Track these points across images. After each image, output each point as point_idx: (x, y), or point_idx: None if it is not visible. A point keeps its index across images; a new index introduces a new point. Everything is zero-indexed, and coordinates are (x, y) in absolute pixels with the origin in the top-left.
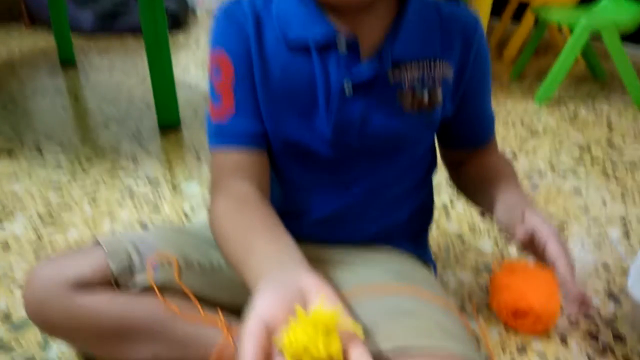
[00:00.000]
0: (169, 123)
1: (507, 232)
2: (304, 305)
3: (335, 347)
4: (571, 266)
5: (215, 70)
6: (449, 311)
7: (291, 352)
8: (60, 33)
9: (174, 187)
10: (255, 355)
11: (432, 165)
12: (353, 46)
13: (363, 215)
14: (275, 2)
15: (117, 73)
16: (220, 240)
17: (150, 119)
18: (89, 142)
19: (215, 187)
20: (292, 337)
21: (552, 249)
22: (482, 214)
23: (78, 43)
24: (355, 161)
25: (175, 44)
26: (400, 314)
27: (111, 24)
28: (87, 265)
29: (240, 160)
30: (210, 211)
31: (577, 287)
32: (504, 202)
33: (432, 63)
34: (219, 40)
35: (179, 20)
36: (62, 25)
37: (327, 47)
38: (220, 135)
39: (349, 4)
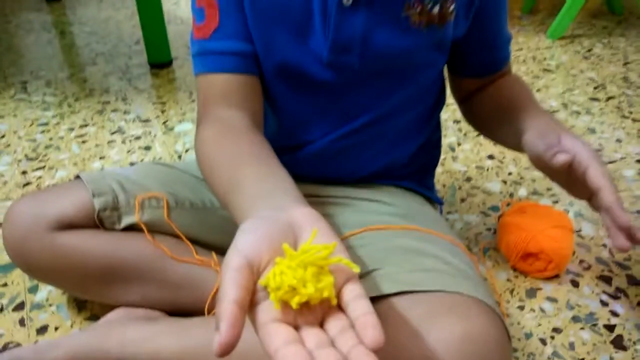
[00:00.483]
0: (159, 60)
1: (542, 161)
2: (295, 243)
3: (327, 286)
4: (616, 192)
5: None
6: (458, 249)
7: (277, 293)
8: None
9: (166, 127)
10: (237, 297)
11: (441, 98)
12: None
13: (365, 149)
14: None
15: (105, 7)
16: (205, 171)
17: (141, 56)
18: (76, 80)
19: (201, 115)
20: (278, 276)
21: (595, 174)
22: (509, 147)
23: None
24: (356, 86)
25: None
26: (406, 253)
27: None
28: (69, 202)
29: (227, 85)
30: (196, 140)
31: (625, 216)
32: (535, 128)
33: None
34: None
35: None
36: None
37: None
38: (204, 55)
39: None
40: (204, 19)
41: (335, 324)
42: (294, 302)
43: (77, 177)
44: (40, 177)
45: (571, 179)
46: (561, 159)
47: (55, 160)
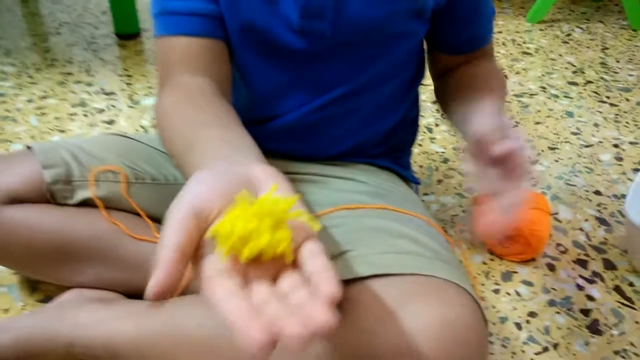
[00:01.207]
0: (127, 31)
1: (482, 143)
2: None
3: (284, 240)
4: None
5: None
6: (433, 230)
7: (227, 242)
8: None
9: (132, 100)
10: (178, 244)
11: (420, 72)
12: None
13: (339, 124)
14: None
15: None
16: (164, 136)
17: (107, 27)
18: (38, 50)
19: (162, 81)
20: (228, 223)
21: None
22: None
23: None
24: (329, 56)
25: None
26: (380, 234)
27: None
28: (17, 175)
29: (190, 49)
30: (156, 107)
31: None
32: (485, 112)
33: None
34: None
35: None
36: None
37: None
38: (166, 15)
39: None
40: None
41: (288, 280)
42: (244, 253)
43: (28, 147)
44: None
45: (496, 171)
46: (506, 146)
47: (11, 132)
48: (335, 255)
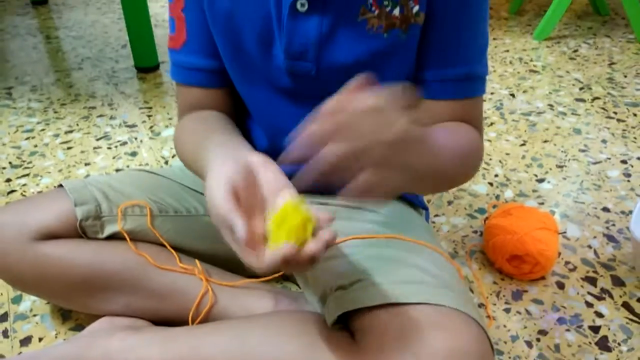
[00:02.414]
0: (146, 64)
1: None
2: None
3: (309, 221)
4: None
5: None
6: (441, 259)
7: (275, 218)
8: None
9: (153, 132)
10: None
11: None
12: None
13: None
14: None
15: (91, 11)
16: (180, 151)
17: (127, 60)
18: (62, 85)
19: (179, 116)
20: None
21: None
22: None
23: None
24: (320, 94)
25: None
26: (390, 264)
27: None
28: (51, 213)
29: (195, 97)
30: (175, 131)
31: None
32: None
33: None
34: None
35: None
36: None
37: None
38: (176, 66)
39: None
40: (174, 30)
41: None
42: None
43: (60, 185)
44: (24, 185)
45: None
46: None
47: (40, 167)
48: (346, 284)
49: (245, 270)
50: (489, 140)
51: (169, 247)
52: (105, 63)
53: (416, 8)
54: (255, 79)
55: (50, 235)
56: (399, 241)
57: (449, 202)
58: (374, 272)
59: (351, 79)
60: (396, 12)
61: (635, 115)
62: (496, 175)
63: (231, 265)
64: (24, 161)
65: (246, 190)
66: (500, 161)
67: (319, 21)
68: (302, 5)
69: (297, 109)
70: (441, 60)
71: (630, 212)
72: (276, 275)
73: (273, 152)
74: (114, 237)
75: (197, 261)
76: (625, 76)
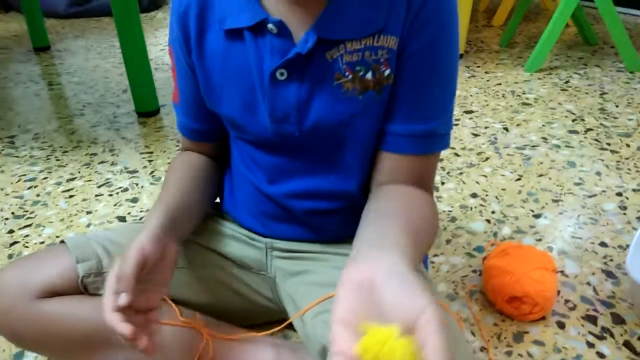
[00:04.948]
0: (147, 109)
1: None
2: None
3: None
4: None
5: (170, 59)
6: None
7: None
8: (32, 17)
9: (153, 177)
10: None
11: None
12: (284, 28)
13: (335, 212)
14: None
15: (93, 56)
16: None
17: (128, 105)
18: (64, 132)
19: (180, 150)
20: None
21: None
22: None
23: (53, 27)
24: (306, 151)
25: (153, 22)
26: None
27: (87, 5)
28: (54, 270)
29: (189, 143)
30: (169, 165)
31: None
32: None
33: (376, 38)
34: (169, 31)
35: None
36: (33, 8)
37: (259, 32)
38: (177, 117)
39: None
40: (174, 87)
41: None
42: None
43: (62, 241)
44: (27, 236)
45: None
46: None
47: (43, 217)
48: None
49: (246, 321)
50: (485, 176)
51: (169, 301)
52: (106, 108)
53: (387, 71)
54: (248, 138)
55: (53, 293)
56: None
57: (448, 241)
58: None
59: (333, 135)
60: (369, 76)
61: (628, 145)
62: (493, 212)
63: (232, 316)
64: (26, 211)
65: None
66: (496, 197)
67: (298, 88)
68: (282, 74)
69: (286, 163)
70: (406, 117)
71: (627, 246)
72: (276, 329)
73: (267, 196)
74: None
75: (197, 314)
76: (617, 106)
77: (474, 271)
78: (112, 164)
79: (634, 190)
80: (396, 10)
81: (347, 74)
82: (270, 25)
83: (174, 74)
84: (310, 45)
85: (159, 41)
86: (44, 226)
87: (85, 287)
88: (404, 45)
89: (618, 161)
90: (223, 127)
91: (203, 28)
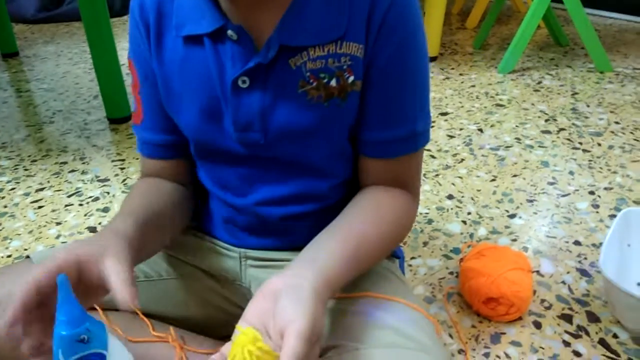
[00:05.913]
0: (118, 115)
1: None
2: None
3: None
4: None
5: (131, 74)
6: (418, 316)
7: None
8: None
9: (125, 185)
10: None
11: None
12: (244, 35)
13: (306, 218)
14: None
15: (63, 62)
16: None
17: (99, 111)
18: (33, 140)
19: (140, 178)
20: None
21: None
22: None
23: (22, 32)
24: (274, 159)
25: (126, 26)
26: (365, 326)
27: (56, 9)
28: (18, 288)
29: (152, 167)
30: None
31: None
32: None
33: (338, 45)
34: (129, 42)
35: (129, 3)
36: (0, 13)
37: (219, 39)
38: (137, 139)
39: None
40: (135, 108)
41: None
42: None
43: (27, 257)
44: None
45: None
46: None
47: (10, 229)
48: (320, 352)
49: (223, 333)
50: (460, 177)
51: (141, 315)
52: (77, 115)
53: (351, 78)
54: (213, 150)
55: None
56: (372, 299)
57: (425, 244)
58: (348, 337)
59: (299, 141)
60: (333, 82)
61: (599, 144)
62: (469, 213)
63: (206, 329)
64: None
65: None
66: (472, 198)
67: (261, 95)
68: (244, 82)
69: (253, 172)
70: (382, 123)
71: (601, 244)
72: None
73: (239, 210)
74: None
75: (171, 328)
76: (588, 106)
77: (451, 273)
78: (83, 172)
79: (605, 188)
80: (357, 17)
81: (311, 81)
82: (229, 32)
83: (135, 91)
84: (273, 54)
85: None
86: (11, 239)
87: None
88: (372, 55)
89: (590, 160)
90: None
91: (161, 33)
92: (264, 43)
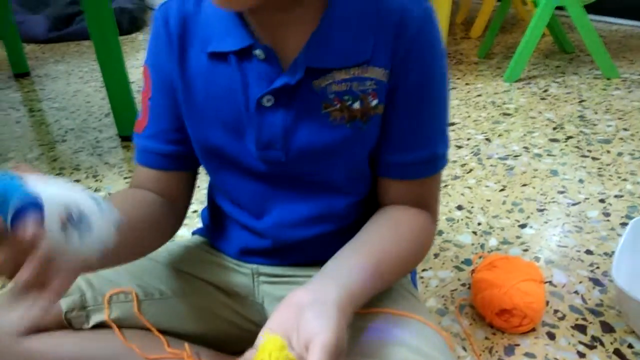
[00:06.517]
0: (129, 132)
1: None
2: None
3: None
4: None
5: (144, 81)
6: (430, 331)
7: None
8: (11, 43)
9: None
10: None
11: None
12: (271, 55)
13: (325, 234)
14: (206, 3)
15: (74, 81)
16: None
17: (111, 129)
18: (46, 159)
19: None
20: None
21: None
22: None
23: (33, 52)
24: (294, 177)
25: (135, 44)
26: (379, 344)
27: (66, 29)
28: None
29: (147, 177)
30: None
31: None
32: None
33: (363, 68)
34: (148, 50)
35: (137, 20)
36: (11, 34)
37: (245, 56)
38: (137, 148)
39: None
40: (140, 114)
41: None
42: None
43: None
44: None
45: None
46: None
47: None
48: None
49: (237, 348)
50: (469, 188)
51: (156, 332)
52: (89, 133)
53: (375, 102)
54: (230, 166)
55: (36, 330)
56: (387, 315)
57: (435, 255)
58: (362, 353)
59: (320, 161)
60: (356, 105)
61: (608, 152)
62: (479, 224)
63: (220, 344)
64: None
65: None
66: (482, 209)
67: (284, 115)
68: (268, 100)
69: (271, 190)
70: (403, 146)
71: (613, 252)
72: None
73: (255, 233)
74: (101, 324)
75: (186, 344)
76: (596, 113)
77: (463, 285)
78: (96, 190)
79: (616, 196)
80: (382, 43)
81: (335, 103)
82: (257, 51)
83: (144, 99)
84: (301, 76)
85: (140, 63)
86: None
87: (69, 322)
88: (397, 80)
89: (599, 168)
90: (191, 157)
91: (184, 46)
92: (289, 63)
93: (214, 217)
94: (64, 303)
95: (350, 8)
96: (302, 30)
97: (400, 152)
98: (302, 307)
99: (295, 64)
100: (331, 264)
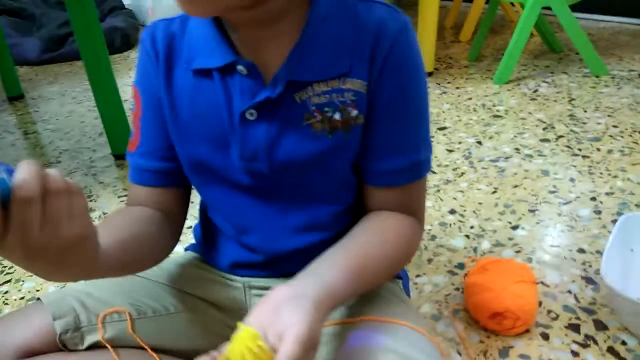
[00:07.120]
0: (123, 151)
1: None
2: None
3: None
4: None
5: (133, 101)
6: (420, 337)
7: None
8: (3, 66)
9: None
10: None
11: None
12: (253, 70)
13: (306, 247)
14: (191, 24)
15: (67, 101)
16: None
17: (104, 148)
18: None
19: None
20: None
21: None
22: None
23: (26, 74)
24: (278, 189)
25: (127, 62)
26: (369, 353)
27: (59, 50)
28: (30, 330)
29: (142, 195)
30: None
31: None
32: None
33: (342, 80)
34: (136, 71)
35: (130, 38)
36: (4, 58)
37: (228, 72)
38: (130, 168)
39: (194, 14)
40: (133, 134)
41: None
42: None
43: (39, 299)
44: (6, 292)
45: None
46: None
47: (22, 271)
48: None
49: None
50: (462, 191)
51: (150, 351)
52: (83, 154)
53: (355, 112)
54: (217, 180)
55: (32, 353)
56: (373, 323)
57: (429, 260)
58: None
59: (303, 171)
60: (337, 116)
61: (598, 150)
62: (472, 227)
63: None
64: (5, 266)
65: None
66: (474, 212)
67: (267, 127)
68: (251, 114)
69: (257, 203)
70: (386, 154)
71: None
72: None
73: (244, 246)
74: (95, 345)
75: None
76: (585, 111)
77: (457, 289)
78: (91, 210)
79: (607, 193)
80: (360, 56)
81: (316, 114)
82: (240, 67)
83: (135, 118)
84: (281, 89)
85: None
86: (23, 281)
87: (64, 344)
88: (375, 91)
89: (590, 166)
90: (184, 172)
91: (171, 65)
92: (271, 77)
93: (206, 231)
94: (58, 325)
95: (328, 23)
96: (282, 45)
97: (383, 161)
98: (280, 303)
99: (277, 78)
100: (315, 263)
